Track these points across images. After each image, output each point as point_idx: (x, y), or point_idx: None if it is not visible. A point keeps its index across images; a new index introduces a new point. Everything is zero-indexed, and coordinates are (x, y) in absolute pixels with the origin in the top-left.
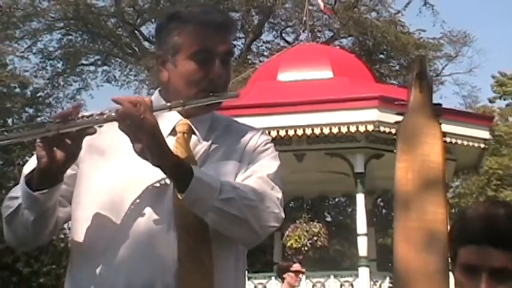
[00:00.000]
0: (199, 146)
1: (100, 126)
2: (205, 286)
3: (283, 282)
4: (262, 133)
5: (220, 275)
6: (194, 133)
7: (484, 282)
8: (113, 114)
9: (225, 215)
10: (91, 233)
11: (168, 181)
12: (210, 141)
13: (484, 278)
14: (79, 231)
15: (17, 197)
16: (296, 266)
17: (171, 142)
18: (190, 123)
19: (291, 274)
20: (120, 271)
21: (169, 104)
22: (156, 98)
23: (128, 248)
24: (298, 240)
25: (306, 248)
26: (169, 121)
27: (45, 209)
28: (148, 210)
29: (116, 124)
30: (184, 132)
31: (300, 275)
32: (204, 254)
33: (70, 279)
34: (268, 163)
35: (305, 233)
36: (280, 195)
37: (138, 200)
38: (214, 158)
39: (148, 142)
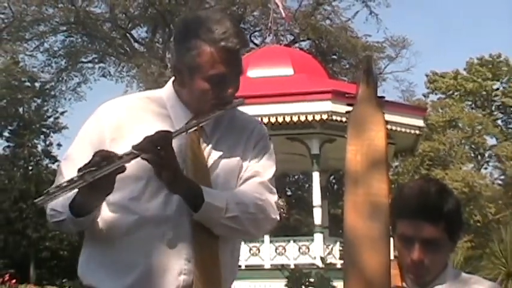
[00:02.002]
0: (205, 143)
1: (128, 162)
2: (215, 269)
3: None
4: (261, 127)
5: (224, 256)
6: (203, 130)
7: (416, 250)
8: (138, 152)
9: (229, 229)
10: (117, 215)
11: None
12: (214, 139)
13: (417, 247)
14: (107, 212)
15: (61, 212)
16: None
17: (185, 139)
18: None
19: None
20: (141, 252)
21: (185, 127)
22: (171, 95)
23: (147, 233)
24: (283, 207)
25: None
26: (182, 120)
27: (85, 226)
28: (164, 201)
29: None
30: (196, 131)
31: None
32: (214, 244)
33: (93, 254)
34: (268, 164)
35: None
36: (276, 197)
37: (157, 191)
38: (219, 156)
39: (166, 177)
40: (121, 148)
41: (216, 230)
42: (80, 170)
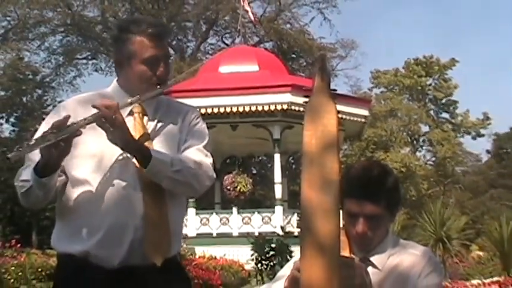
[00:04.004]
0: (150, 122)
1: (83, 128)
2: (163, 224)
3: None
4: (194, 109)
5: (172, 214)
6: (145, 113)
7: (360, 224)
8: (91, 117)
9: (175, 181)
10: (80, 188)
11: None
12: (156, 119)
13: (361, 221)
14: (71, 188)
15: (27, 180)
16: None
17: (130, 120)
18: (143, 106)
19: None
20: (104, 215)
21: (129, 100)
22: (116, 88)
23: (109, 200)
24: (244, 185)
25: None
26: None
27: (49, 187)
28: (120, 173)
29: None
30: (139, 113)
31: None
32: (162, 203)
33: (64, 224)
34: (202, 135)
35: (243, 182)
36: (211, 160)
37: (114, 165)
38: (161, 132)
39: (118, 135)
40: (90, 131)
41: (164, 183)
42: (44, 132)
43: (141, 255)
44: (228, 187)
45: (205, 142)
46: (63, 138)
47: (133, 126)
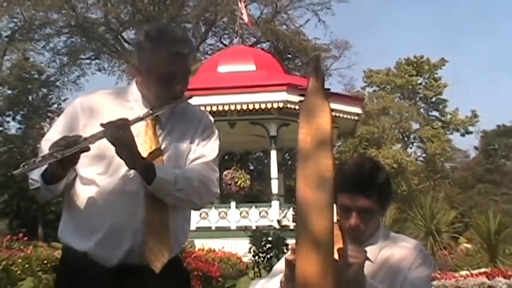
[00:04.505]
0: (161, 130)
1: (92, 144)
2: (163, 231)
3: None
4: (208, 118)
5: (174, 221)
6: (158, 120)
7: (353, 217)
8: (101, 134)
9: (177, 198)
10: (87, 187)
11: None
12: (168, 127)
13: (354, 215)
14: (79, 185)
15: (37, 181)
16: None
17: (142, 126)
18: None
19: None
20: (105, 217)
21: (141, 115)
22: (135, 90)
23: (111, 202)
24: (244, 181)
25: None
26: (141, 111)
27: (56, 191)
28: (126, 178)
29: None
30: (152, 120)
31: None
32: (163, 210)
33: (69, 217)
34: (212, 148)
35: (242, 177)
36: (217, 174)
37: (121, 170)
38: (172, 141)
39: (126, 153)
40: (91, 133)
41: (166, 199)
42: (50, 148)
43: (140, 256)
44: (229, 182)
45: (214, 156)
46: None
47: (145, 132)
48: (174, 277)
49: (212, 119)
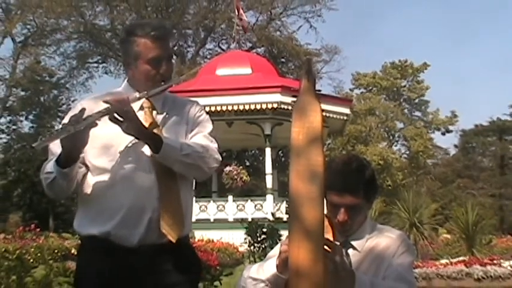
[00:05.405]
0: (159, 116)
1: (99, 120)
2: (176, 204)
3: None
4: (197, 103)
5: (183, 197)
6: (154, 107)
7: (341, 213)
8: (105, 110)
9: (185, 164)
10: (100, 176)
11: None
12: (164, 112)
13: (342, 211)
14: (92, 175)
15: (51, 172)
16: None
17: (141, 114)
18: (151, 101)
19: None
20: (123, 199)
21: (138, 95)
22: (126, 86)
23: (126, 185)
24: (246, 176)
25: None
26: (138, 101)
27: (71, 177)
28: (136, 160)
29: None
30: (148, 107)
31: None
32: (174, 186)
33: (85, 209)
34: (206, 125)
35: (245, 173)
36: (216, 145)
37: (130, 153)
38: (169, 124)
39: (132, 125)
40: (90, 133)
41: (175, 167)
42: (63, 124)
43: (157, 234)
44: (235, 177)
45: (209, 130)
46: (81, 130)
47: (144, 119)
48: (186, 257)
49: (201, 104)
